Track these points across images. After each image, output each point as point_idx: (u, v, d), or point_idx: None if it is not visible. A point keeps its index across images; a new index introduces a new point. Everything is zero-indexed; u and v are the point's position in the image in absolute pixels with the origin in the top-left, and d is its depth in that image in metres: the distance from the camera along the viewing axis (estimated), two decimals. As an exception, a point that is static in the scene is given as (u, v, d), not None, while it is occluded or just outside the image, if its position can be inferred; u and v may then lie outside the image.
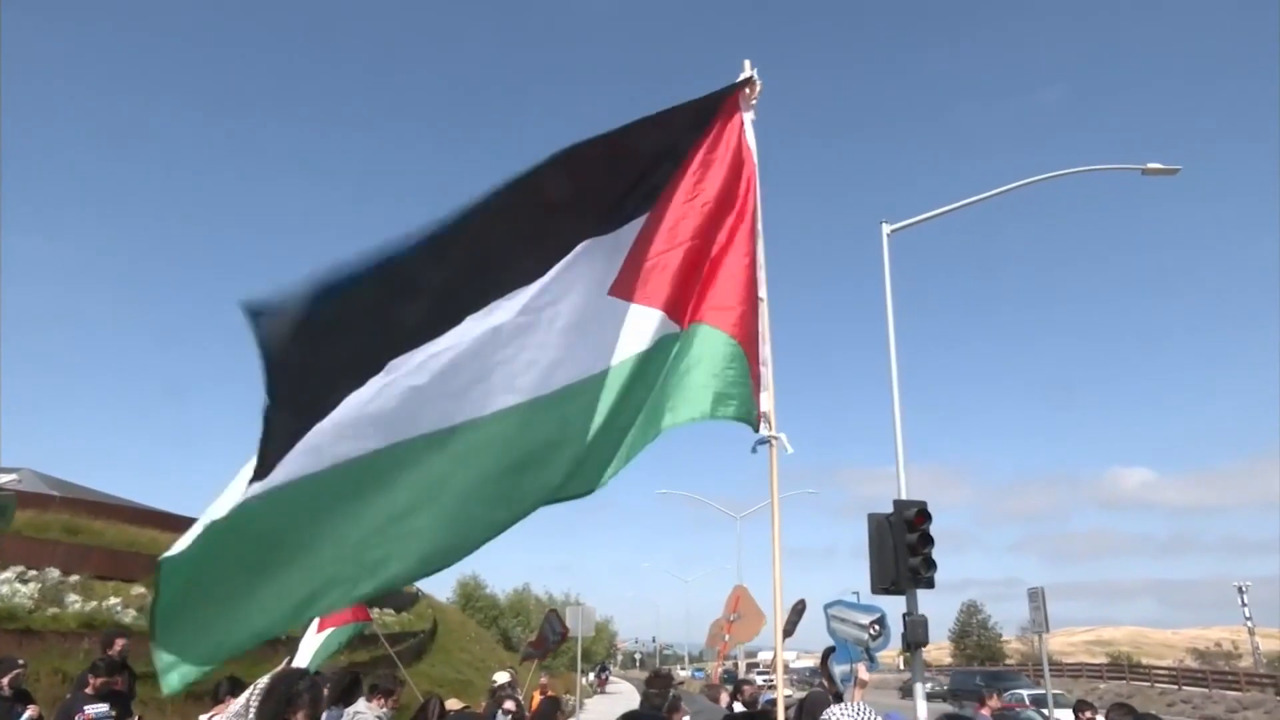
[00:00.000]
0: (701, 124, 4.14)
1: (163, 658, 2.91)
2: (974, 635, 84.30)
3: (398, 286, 2.92)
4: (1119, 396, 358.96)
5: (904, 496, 10.33)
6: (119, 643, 8.01)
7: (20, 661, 7.66)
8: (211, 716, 6.10)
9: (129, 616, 15.07)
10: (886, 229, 12.37)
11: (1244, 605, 51.94)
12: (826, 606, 8.72)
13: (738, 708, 9.09)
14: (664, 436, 3.84)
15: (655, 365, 3.84)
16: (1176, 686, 42.54)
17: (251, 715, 3.03)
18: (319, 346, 2.69)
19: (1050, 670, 20.20)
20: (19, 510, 17.15)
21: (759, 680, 21.43)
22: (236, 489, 2.81)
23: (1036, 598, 17.71)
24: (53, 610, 14.30)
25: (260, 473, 2.65)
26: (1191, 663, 68.22)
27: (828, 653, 7.74)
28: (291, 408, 2.64)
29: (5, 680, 7.22)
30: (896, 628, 9.17)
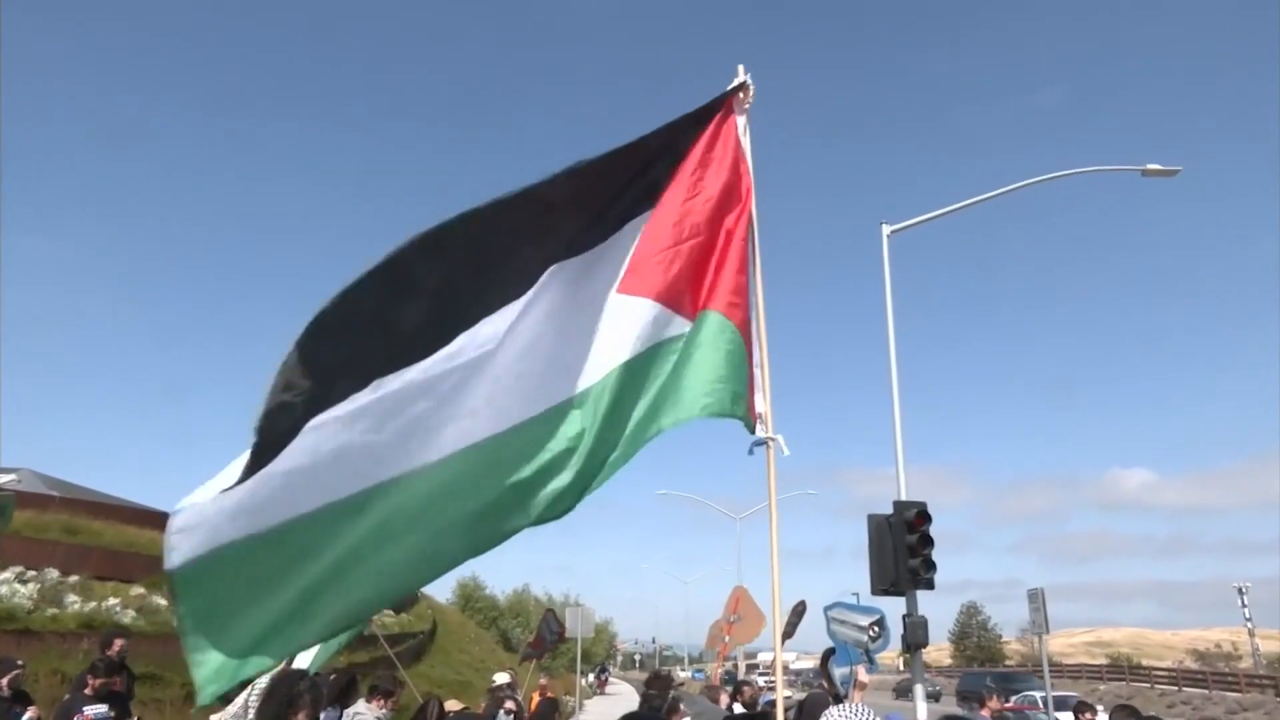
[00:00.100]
0: (698, 123, 4.21)
1: (202, 670, 2.96)
2: (974, 637, 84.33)
3: (370, 317, 3.03)
4: (1119, 397, 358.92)
5: (904, 497, 10.33)
6: (118, 643, 8.00)
7: (19, 662, 7.66)
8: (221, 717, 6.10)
9: (128, 617, 15.08)
10: (886, 230, 12.37)
11: (1244, 606, 51.94)
12: (827, 608, 8.73)
13: (737, 709, 9.08)
14: (664, 437, 3.83)
15: (662, 358, 3.87)
16: (1176, 688, 42.51)
17: (250, 715, 3.03)
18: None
19: (1050, 671, 20.22)
20: (18, 510, 17.13)
21: (760, 682, 21.42)
22: (215, 485, 2.88)
23: (1036, 599, 17.72)
24: (52, 611, 14.29)
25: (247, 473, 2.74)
26: (1191, 664, 68.19)
27: (827, 654, 7.74)
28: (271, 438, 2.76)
29: (4, 681, 7.21)
30: (896, 629, 9.17)
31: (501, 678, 11.99)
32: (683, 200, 4.05)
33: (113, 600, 15.57)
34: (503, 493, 3.35)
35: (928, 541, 9.36)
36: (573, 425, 3.52)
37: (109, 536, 18.74)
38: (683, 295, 3.94)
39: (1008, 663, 73.49)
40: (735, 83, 4.42)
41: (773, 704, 4.38)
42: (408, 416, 3.15)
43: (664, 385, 3.83)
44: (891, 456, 11.19)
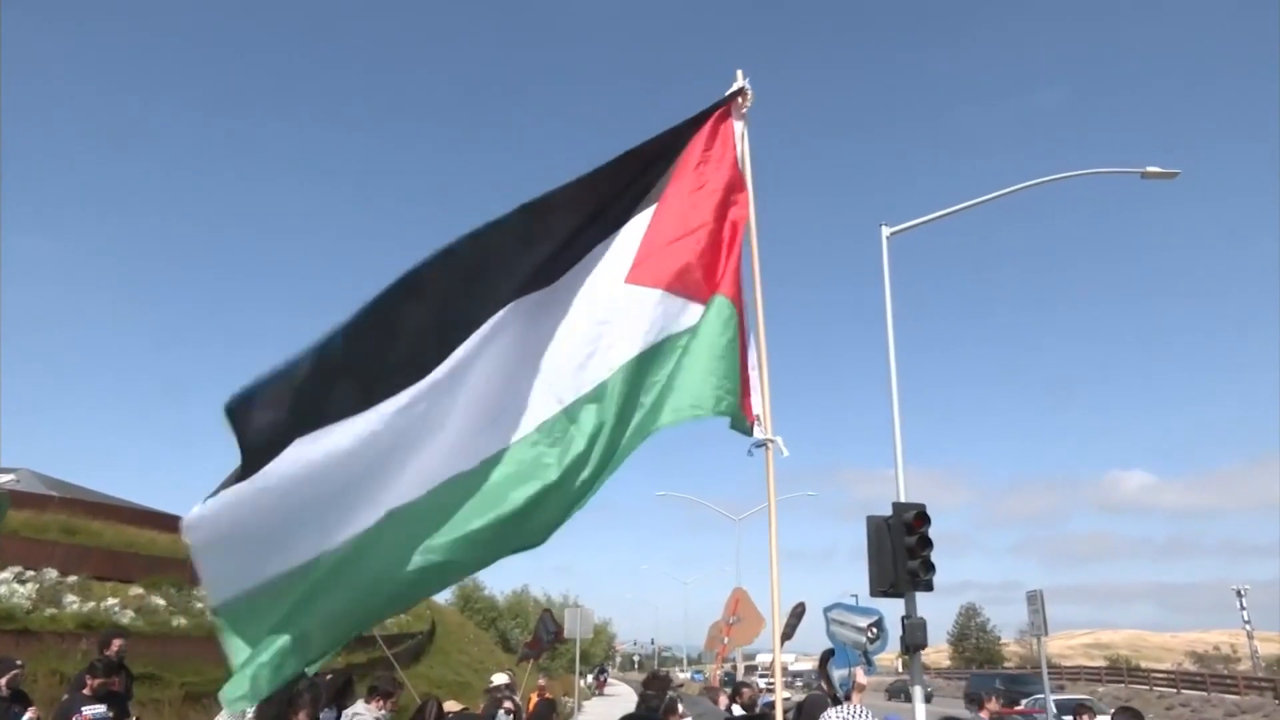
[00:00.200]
0: (696, 125, 4.28)
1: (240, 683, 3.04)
2: (973, 638, 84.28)
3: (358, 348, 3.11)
4: (1118, 398, 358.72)
5: (903, 499, 10.31)
6: (116, 643, 8.00)
7: (18, 662, 7.65)
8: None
9: (127, 617, 15.06)
10: (886, 232, 12.37)
11: (1243, 609, 52.03)
12: (826, 609, 8.74)
13: (736, 710, 9.07)
14: (663, 437, 3.86)
15: (667, 354, 3.91)
16: (1175, 690, 42.49)
17: (250, 715, 3.04)
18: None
19: (1049, 674, 20.20)
20: (18, 511, 17.15)
21: (761, 683, 21.37)
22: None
23: (1035, 601, 17.68)
24: (50, 611, 14.27)
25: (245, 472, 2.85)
26: (1190, 666, 68.13)
27: (826, 656, 7.75)
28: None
29: (3, 681, 7.20)
30: (895, 631, 9.17)
31: (499, 678, 11.98)
32: (688, 192, 4.12)
33: (111, 600, 15.55)
34: (544, 489, 3.43)
35: (927, 543, 9.35)
36: (589, 420, 3.60)
37: (108, 537, 18.72)
38: (695, 281, 4.00)
39: (1007, 665, 73.47)
40: (734, 87, 4.45)
41: (772, 705, 4.39)
42: (422, 432, 3.27)
43: (664, 385, 3.85)
44: (891, 457, 11.19)
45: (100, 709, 6.85)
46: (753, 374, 4.15)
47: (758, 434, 4.08)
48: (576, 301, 3.74)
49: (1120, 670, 55.38)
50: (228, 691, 3.02)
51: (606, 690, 49.19)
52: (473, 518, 3.31)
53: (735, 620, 16.74)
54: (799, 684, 50.90)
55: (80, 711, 6.74)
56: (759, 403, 4.14)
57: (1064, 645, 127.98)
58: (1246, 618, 52.40)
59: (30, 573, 15.15)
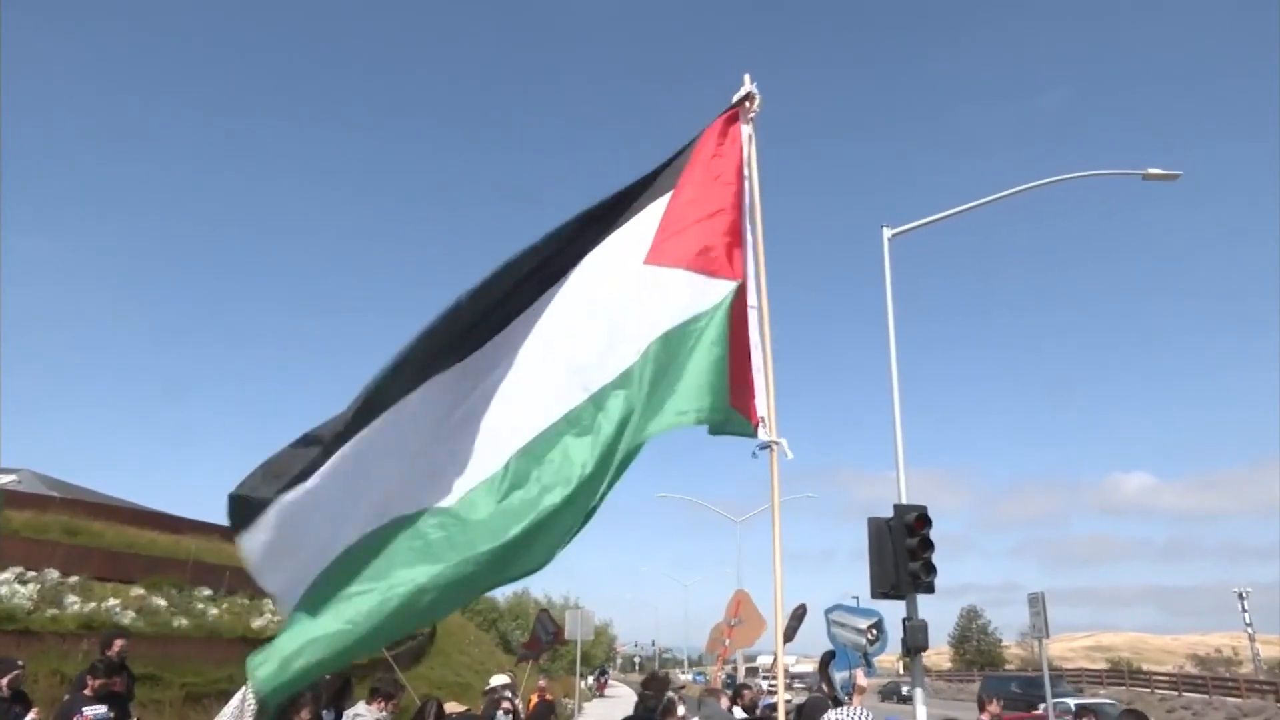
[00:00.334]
0: (708, 122, 4.34)
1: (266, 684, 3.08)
2: (974, 640, 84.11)
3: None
4: (1119, 400, 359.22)
5: (904, 500, 10.30)
6: (117, 644, 8.00)
7: (19, 662, 7.64)
8: None
9: (128, 618, 15.06)
10: (887, 233, 12.37)
11: (1244, 611, 51.93)
12: (827, 611, 8.74)
13: (737, 712, 9.06)
14: (663, 439, 3.83)
15: (684, 340, 3.87)
16: (1176, 693, 42.42)
17: (248, 715, 3.03)
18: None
19: (1050, 675, 20.14)
20: (18, 511, 17.17)
21: (764, 685, 21.33)
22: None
23: (1036, 603, 17.65)
24: (51, 611, 14.27)
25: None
26: (1191, 669, 67.97)
27: (826, 658, 7.74)
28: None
29: (4, 681, 7.20)
30: (896, 633, 9.16)
31: (499, 679, 11.96)
32: (704, 181, 4.15)
33: (112, 601, 15.55)
34: (579, 486, 3.44)
35: (928, 545, 9.34)
36: (616, 407, 3.60)
37: (109, 537, 18.70)
38: (718, 259, 4.00)
39: (1008, 667, 73.30)
40: (741, 92, 4.46)
41: (772, 707, 4.38)
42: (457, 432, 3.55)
43: (671, 378, 3.84)
44: (892, 459, 11.17)
45: (101, 709, 6.85)
46: (757, 376, 4.11)
47: (762, 436, 4.04)
48: (594, 289, 3.79)
49: (1121, 673, 55.24)
50: (259, 668, 3.04)
51: (607, 692, 49.18)
52: (511, 523, 3.32)
53: (737, 622, 16.71)
54: (799, 685, 50.84)
55: (81, 712, 6.74)
56: (764, 405, 4.09)
57: (1065, 648, 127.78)
58: (1248, 620, 52.31)
59: (31, 573, 15.15)
